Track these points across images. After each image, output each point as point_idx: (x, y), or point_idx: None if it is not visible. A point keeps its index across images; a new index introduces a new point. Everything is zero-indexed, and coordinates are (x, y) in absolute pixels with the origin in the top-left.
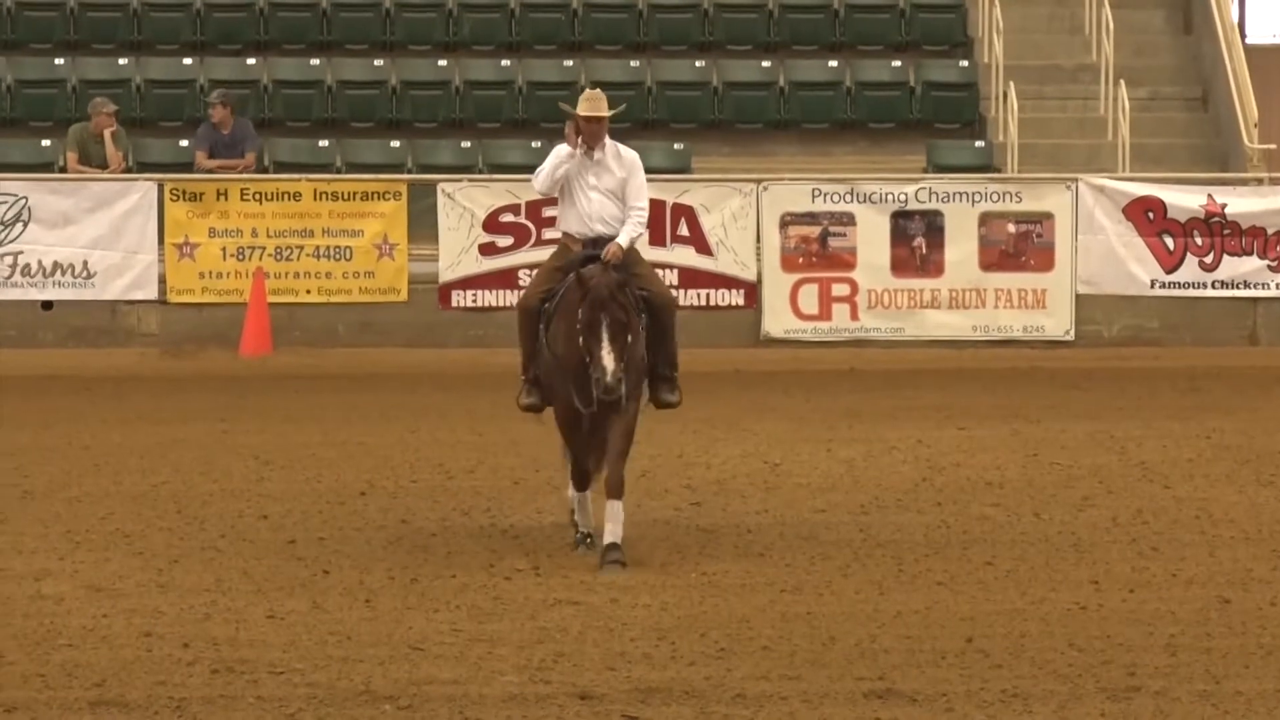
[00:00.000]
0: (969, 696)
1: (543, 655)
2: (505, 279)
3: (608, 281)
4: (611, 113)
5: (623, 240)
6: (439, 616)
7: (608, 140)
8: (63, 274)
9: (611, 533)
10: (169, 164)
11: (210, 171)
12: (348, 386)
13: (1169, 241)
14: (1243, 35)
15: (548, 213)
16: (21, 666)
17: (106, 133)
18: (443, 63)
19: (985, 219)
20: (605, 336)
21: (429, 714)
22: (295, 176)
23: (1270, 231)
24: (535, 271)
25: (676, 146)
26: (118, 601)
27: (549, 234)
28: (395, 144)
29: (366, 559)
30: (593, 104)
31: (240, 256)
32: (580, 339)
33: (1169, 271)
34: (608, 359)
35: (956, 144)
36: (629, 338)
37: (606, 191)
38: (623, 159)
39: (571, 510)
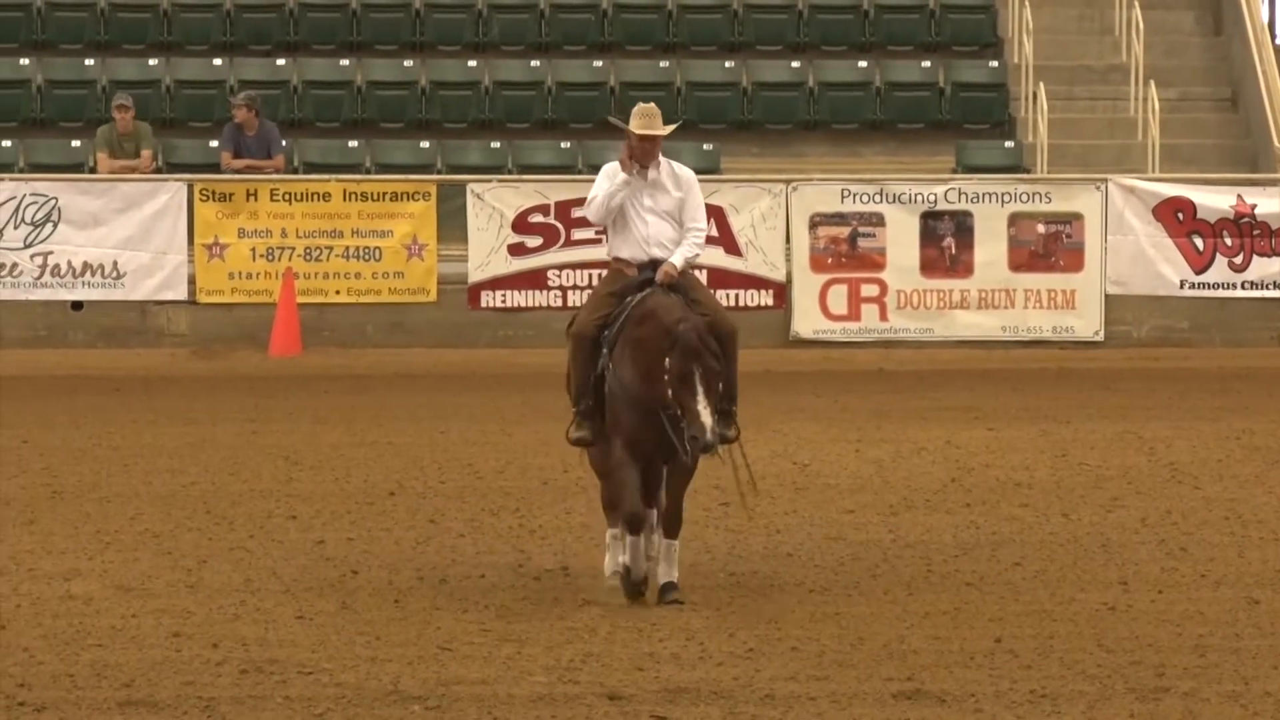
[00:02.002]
0: (998, 697)
1: (571, 655)
2: (535, 279)
3: (694, 324)
4: (668, 130)
5: (677, 260)
6: (468, 617)
7: (661, 158)
8: (92, 274)
9: (667, 572)
10: (199, 165)
11: (238, 171)
12: (377, 387)
13: (1199, 242)
14: (1273, 36)
15: (576, 213)
16: (51, 666)
17: (117, 117)
18: (472, 63)
19: (1015, 219)
20: (700, 389)
21: (457, 714)
22: (325, 177)
23: None
24: (587, 297)
25: (706, 147)
26: (147, 601)
27: (578, 234)
28: (425, 144)
29: (395, 559)
30: (648, 121)
31: (270, 257)
32: (670, 390)
33: (1199, 272)
34: (705, 415)
35: (986, 144)
36: (720, 385)
37: (663, 213)
38: (679, 178)
39: (620, 569)
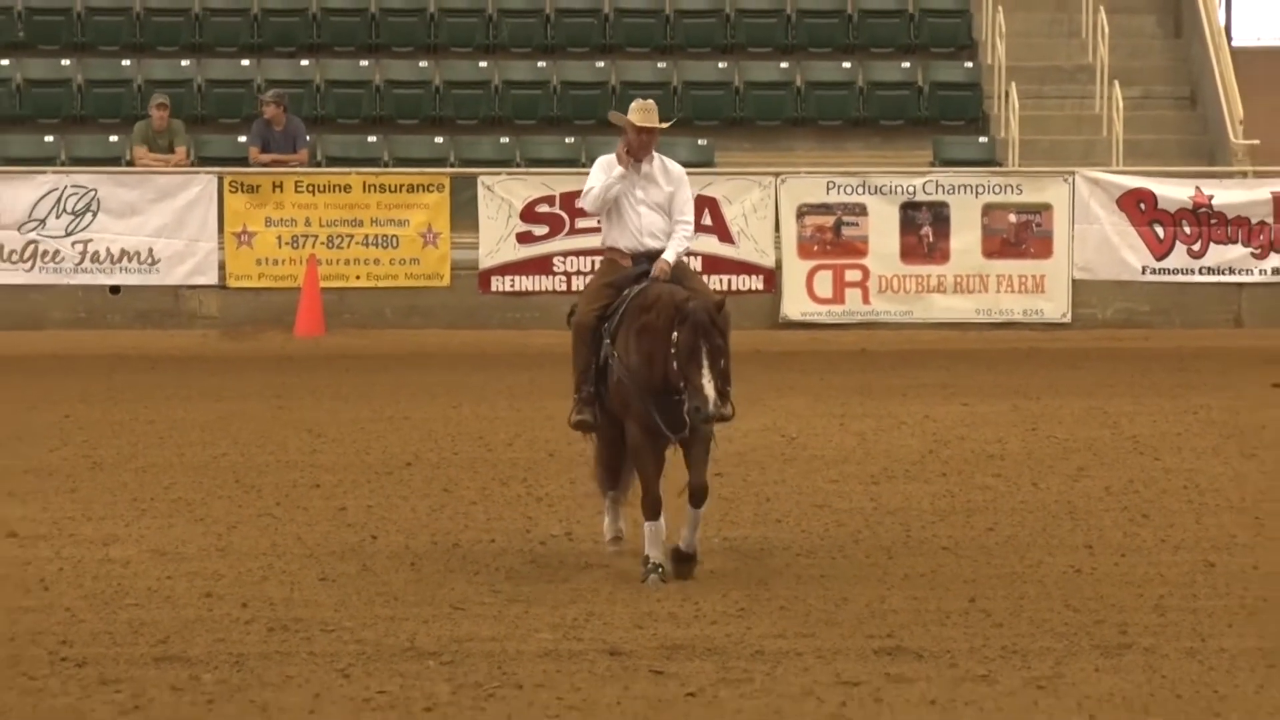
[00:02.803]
0: (971, 653)
1: (575, 614)
2: (541, 265)
3: (703, 304)
4: (665, 124)
5: (669, 256)
6: (479, 579)
7: (655, 154)
8: (129, 260)
9: (689, 540)
10: (228, 158)
11: (265, 165)
12: (394, 365)
13: (1159, 231)
14: (1229, 38)
15: (579, 204)
16: (91, 624)
17: (154, 115)
18: (483, 64)
19: (988, 210)
20: (705, 364)
21: (470, 669)
22: (345, 170)
23: (1254, 221)
24: (584, 289)
25: (700, 142)
26: (180, 564)
27: (582, 223)
28: (439, 140)
29: (412, 525)
30: (646, 114)
31: (295, 244)
32: (675, 364)
33: (1159, 259)
34: (709, 387)
35: (961, 140)
36: (722, 362)
37: (654, 205)
38: (669, 173)
39: (615, 537)
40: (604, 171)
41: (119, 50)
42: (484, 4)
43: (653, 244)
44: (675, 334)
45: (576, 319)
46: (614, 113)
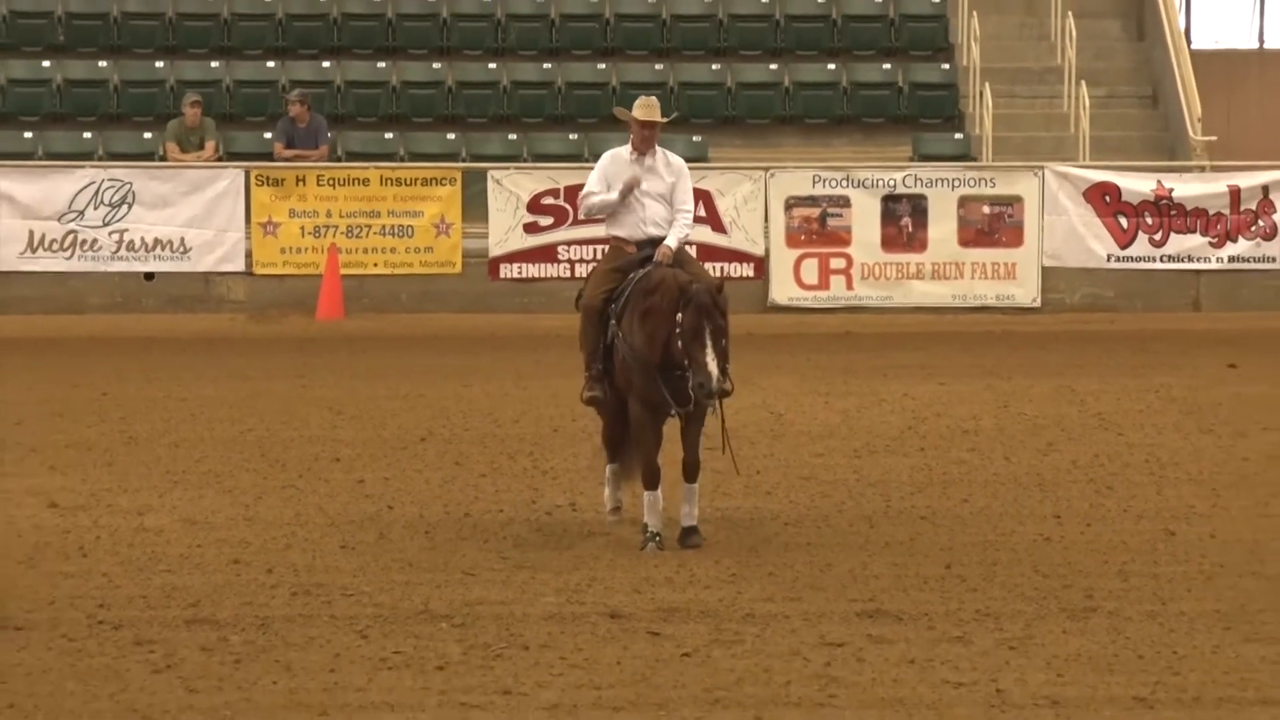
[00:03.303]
0: (948, 616)
1: (578, 580)
2: (546, 254)
3: (705, 286)
4: (665, 119)
5: (671, 242)
6: (488, 546)
7: (657, 148)
8: (162, 249)
9: (689, 515)
10: (255, 153)
11: (288, 160)
12: (409, 347)
13: (1123, 221)
14: (1189, 41)
15: (580, 201)
16: (127, 589)
17: (187, 113)
18: (492, 66)
19: (963, 202)
20: (709, 342)
21: (479, 630)
22: (364, 165)
23: (1211, 212)
24: (590, 273)
25: (695, 139)
26: (210, 533)
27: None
28: (451, 136)
29: (425, 496)
30: (648, 110)
31: (317, 234)
32: (680, 342)
33: (1123, 247)
34: (711, 365)
35: (938, 136)
36: (724, 341)
37: (657, 196)
38: (671, 165)
39: (615, 507)
40: (609, 166)
41: (153, 53)
42: (493, 9)
43: (655, 232)
44: (680, 315)
45: (584, 301)
46: (619, 108)
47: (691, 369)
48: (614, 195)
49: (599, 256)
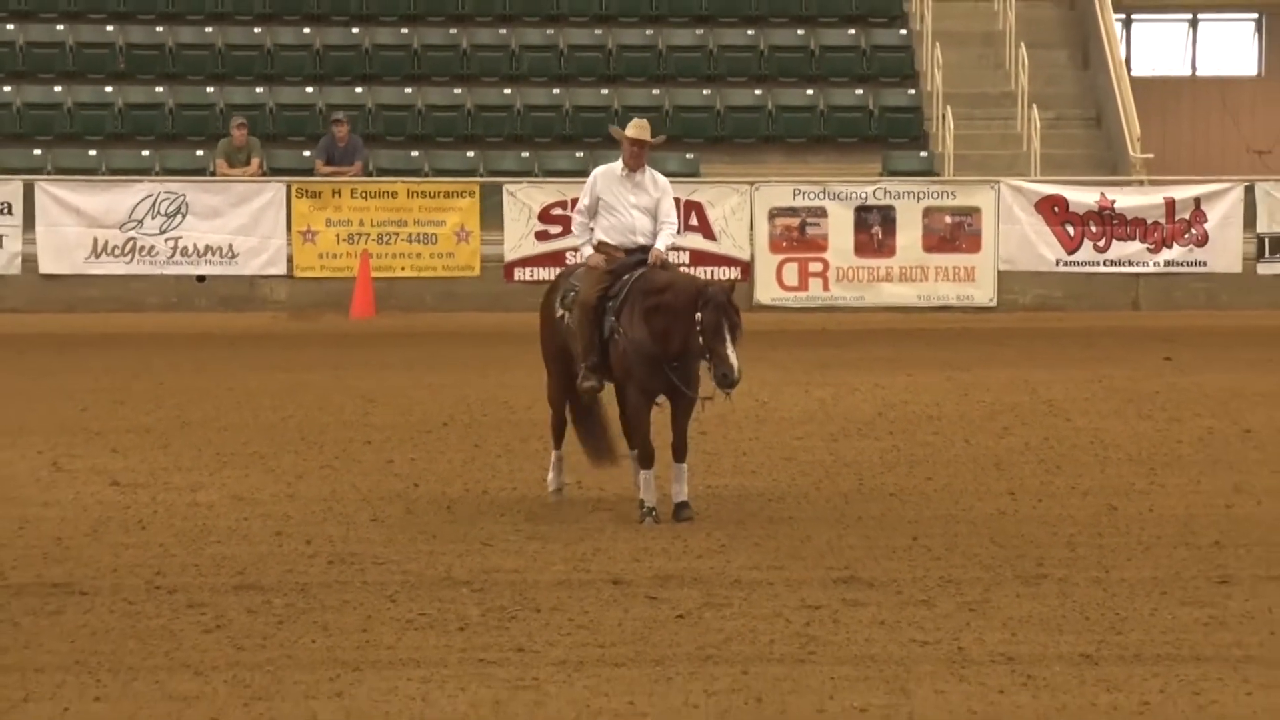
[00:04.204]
0: (914, 582)
1: (584, 550)
2: (555, 259)
3: (722, 287)
4: (655, 140)
5: (661, 245)
6: (504, 519)
7: (647, 167)
8: (213, 254)
9: (679, 492)
10: (295, 169)
11: (326, 175)
12: (434, 342)
13: (1070, 230)
14: (1129, 69)
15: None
16: (180, 558)
17: (235, 133)
18: (507, 91)
19: (928, 212)
20: (728, 337)
21: (496, 595)
22: (393, 179)
23: (1149, 221)
24: (584, 274)
25: (688, 156)
26: (255, 508)
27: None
28: (470, 154)
29: (448, 475)
30: (639, 129)
31: (351, 241)
32: (701, 338)
33: (1070, 253)
34: (732, 357)
35: (905, 154)
36: (738, 335)
37: (644, 209)
38: (658, 183)
39: (557, 489)
40: (601, 180)
41: (204, 79)
42: (508, 41)
43: (642, 240)
44: (699, 314)
45: (581, 299)
46: (613, 127)
47: (713, 361)
48: (588, 250)
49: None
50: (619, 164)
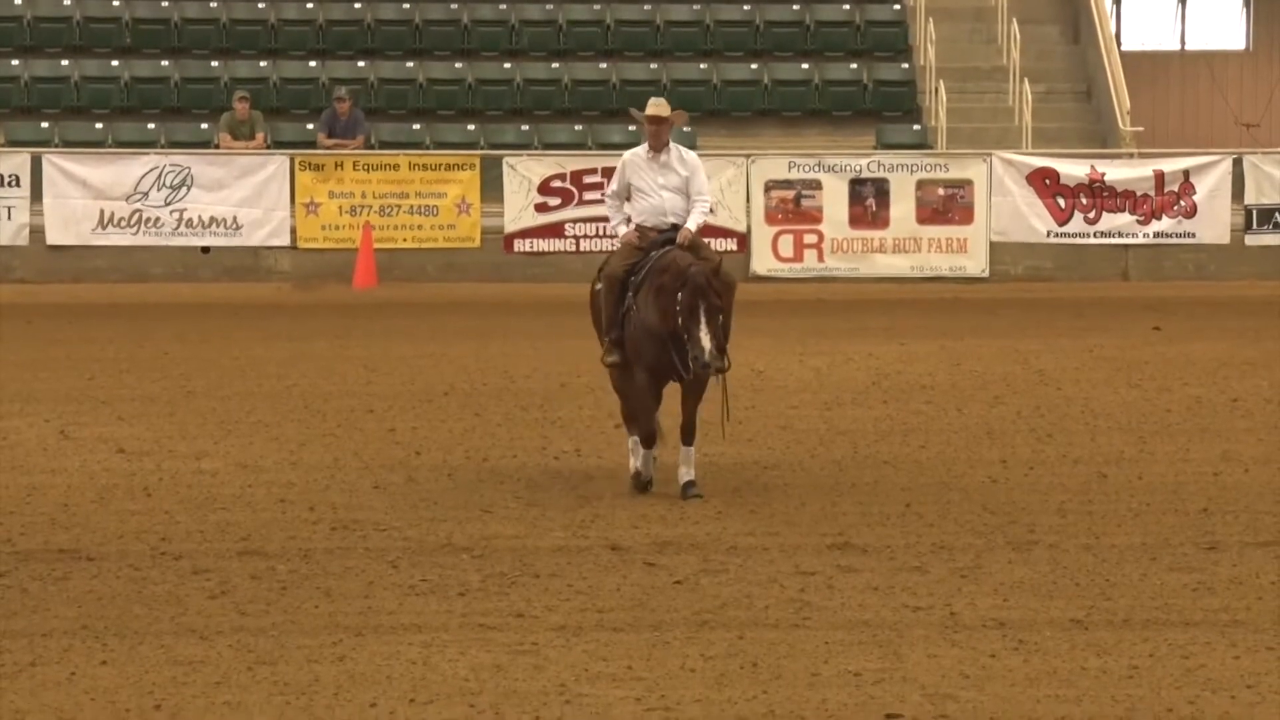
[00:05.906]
0: (907, 548)
1: (582, 516)
2: (554, 230)
3: (703, 269)
4: (670, 114)
5: (691, 225)
6: (504, 487)
7: (672, 145)
8: (217, 226)
9: (686, 473)
10: (298, 142)
11: (328, 148)
12: (434, 312)
13: (1061, 202)
14: (1119, 44)
15: (587, 180)
16: (186, 524)
17: (238, 107)
18: (507, 65)
19: (921, 185)
20: (704, 320)
21: (496, 561)
22: (395, 152)
23: (1139, 194)
24: (616, 248)
25: (685, 129)
26: (259, 475)
27: (588, 196)
28: (471, 127)
29: (448, 443)
30: (656, 106)
31: (353, 213)
32: (680, 319)
33: (1061, 225)
34: (706, 340)
35: (899, 127)
36: (719, 319)
37: (674, 189)
38: (685, 160)
39: (637, 471)
40: (629, 165)
41: (208, 53)
42: (508, 15)
43: (675, 220)
44: (679, 295)
45: (608, 271)
46: (634, 110)
47: (689, 343)
48: (622, 229)
49: (601, 232)
50: (644, 147)
